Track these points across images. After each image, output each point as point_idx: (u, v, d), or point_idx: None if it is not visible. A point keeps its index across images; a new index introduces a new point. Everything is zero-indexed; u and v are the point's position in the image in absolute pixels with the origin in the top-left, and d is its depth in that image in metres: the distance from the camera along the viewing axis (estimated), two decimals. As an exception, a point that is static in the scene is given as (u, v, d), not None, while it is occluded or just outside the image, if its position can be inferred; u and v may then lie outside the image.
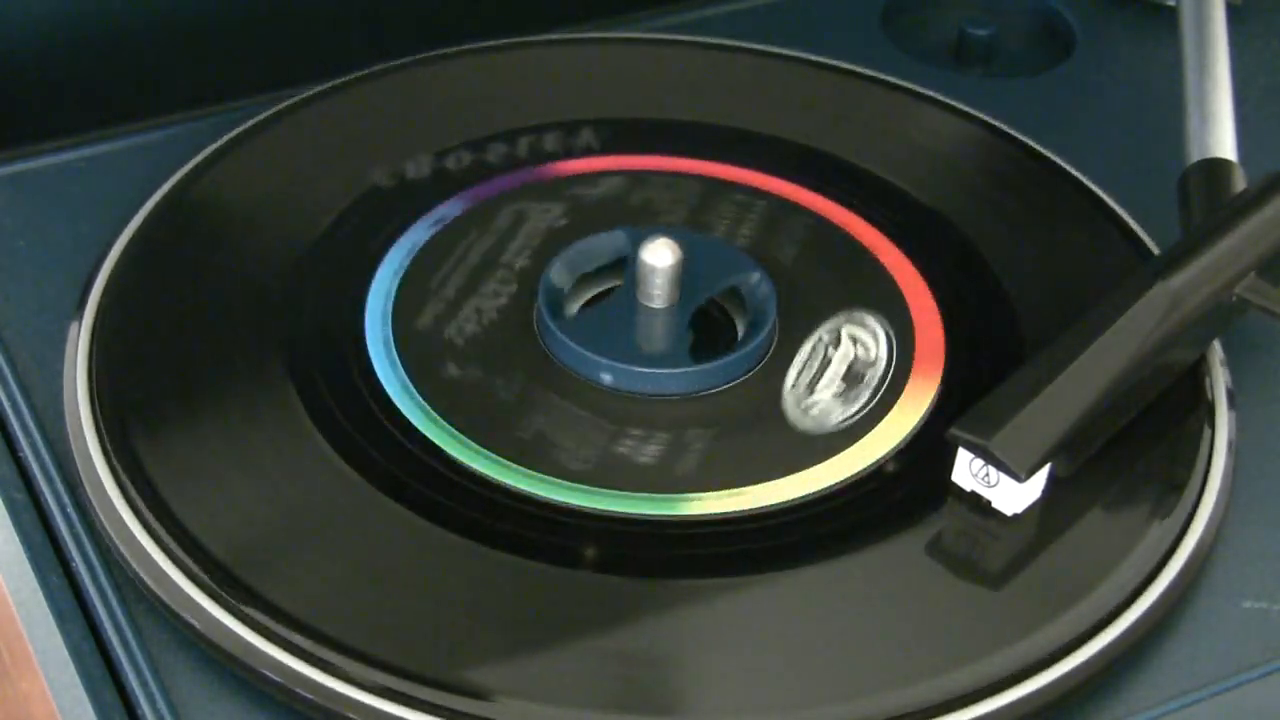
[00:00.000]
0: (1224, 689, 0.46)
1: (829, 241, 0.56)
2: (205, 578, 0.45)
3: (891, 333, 0.49)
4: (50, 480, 0.50)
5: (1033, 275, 0.55)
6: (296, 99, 0.60)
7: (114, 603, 0.47)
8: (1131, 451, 0.50)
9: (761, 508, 0.48)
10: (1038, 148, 0.60)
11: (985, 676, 0.44)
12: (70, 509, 0.49)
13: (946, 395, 0.51)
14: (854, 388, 0.48)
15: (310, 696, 0.44)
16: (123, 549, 0.47)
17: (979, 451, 0.47)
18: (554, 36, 0.65)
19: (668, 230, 0.53)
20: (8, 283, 0.55)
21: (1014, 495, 0.48)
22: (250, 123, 0.59)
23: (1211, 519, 0.49)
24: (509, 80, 0.62)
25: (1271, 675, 0.47)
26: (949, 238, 0.57)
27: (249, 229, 0.56)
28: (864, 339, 0.48)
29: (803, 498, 0.48)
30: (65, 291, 0.54)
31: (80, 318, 0.52)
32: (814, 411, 0.47)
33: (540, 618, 0.45)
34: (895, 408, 0.51)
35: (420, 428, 0.50)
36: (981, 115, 0.62)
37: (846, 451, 0.50)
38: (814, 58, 0.64)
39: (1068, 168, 0.59)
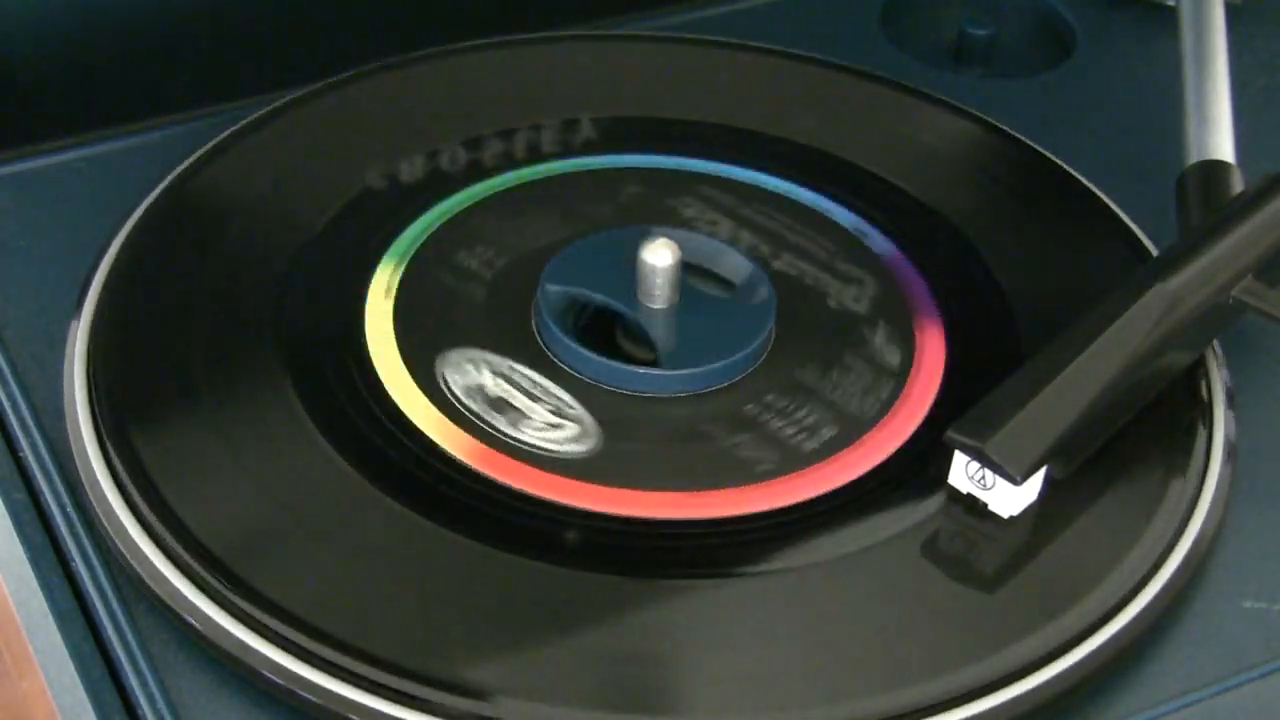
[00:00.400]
0: (1224, 689, 0.46)
1: (829, 241, 0.56)
2: (205, 577, 0.45)
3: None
4: (50, 480, 0.50)
5: (1032, 275, 0.55)
6: (294, 97, 0.60)
7: (114, 603, 0.47)
8: (1130, 452, 0.50)
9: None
10: (1038, 148, 0.60)
11: (983, 677, 0.44)
12: (70, 509, 0.49)
13: (945, 396, 0.51)
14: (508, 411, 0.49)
15: (310, 696, 0.44)
16: (122, 549, 0.47)
17: (975, 454, 0.47)
18: (553, 35, 0.65)
19: (668, 230, 0.53)
20: (8, 283, 0.55)
21: (1010, 498, 0.48)
22: (248, 120, 0.59)
23: (1210, 519, 0.49)
24: (507, 78, 0.62)
25: (1271, 675, 0.47)
26: (948, 238, 0.57)
27: (247, 226, 0.56)
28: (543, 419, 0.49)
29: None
30: (65, 291, 0.54)
31: (79, 317, 0.52)
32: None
33: (540, 617, 0.45)
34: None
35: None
36: (982, 115, 0.62)
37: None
38: (814, 56, 0.64)
39: (1067, 168, 0.59)
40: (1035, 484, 0.48)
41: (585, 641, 0.45)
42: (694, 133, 0.60)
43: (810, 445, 0.50)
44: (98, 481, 0.48)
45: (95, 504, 0.48)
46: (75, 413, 0.50)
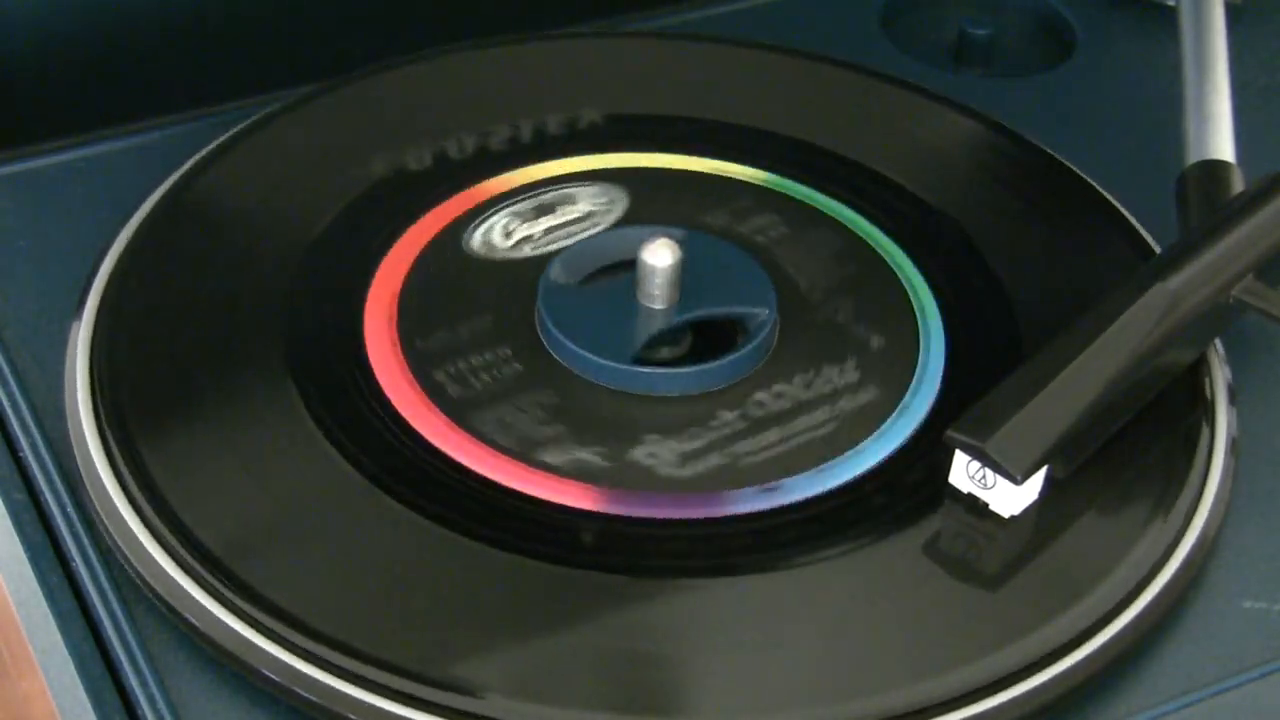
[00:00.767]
0: (1224, 689, 0.46)
1: (829, 239, 0.56)
2: (205, 577, 0.45)
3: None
4: (50, 480, 0.50)
5: (1034, 273, 0.55)
6: (296, 97, 0.60)
7: (114, 603, 0.47)
8: (1131, 451, 0.50)
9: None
10: (1040, 145, 0.60)
11: (984, 677, 0.44)
12: (70, 509, 0.49)
13: (946, 395, 0.51)
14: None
15: (310, 695, 0.44)
16: (123, 549, 0.47)
17: (975, 454, 0.47)
18: (554, 34, 0.65)
19: (668, 230, 0.53)
20: (8, 283, 0.55)
21: (1011, 497, 0.48)
22: (250, 121, 0.59)
23: (1211, 519, 0.49)
24: (509, 78, 0.62)
25: (1271, 675, 0.47)
26: (950, 235, 0.57)
27: (249, 228, 0.56)
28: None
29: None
30: (65, 291, 0.54)
31: (80, 318, 0.52)
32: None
33: (539, 616, 0.45)
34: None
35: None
36: (984, 112, 0.61)
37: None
38: (814, 53, 0.63)
39: (1070, 166, 0.59)
40: (1036, 483, 0.48)
41: (584, 641, 0.45)
42: (693, 131, 0.60)
43: (811, 445, 0.50)
44: (98, 481, 0.48)
45: (95, 504, 0.48)
46: (76, 413, 0.50)
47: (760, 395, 0.51)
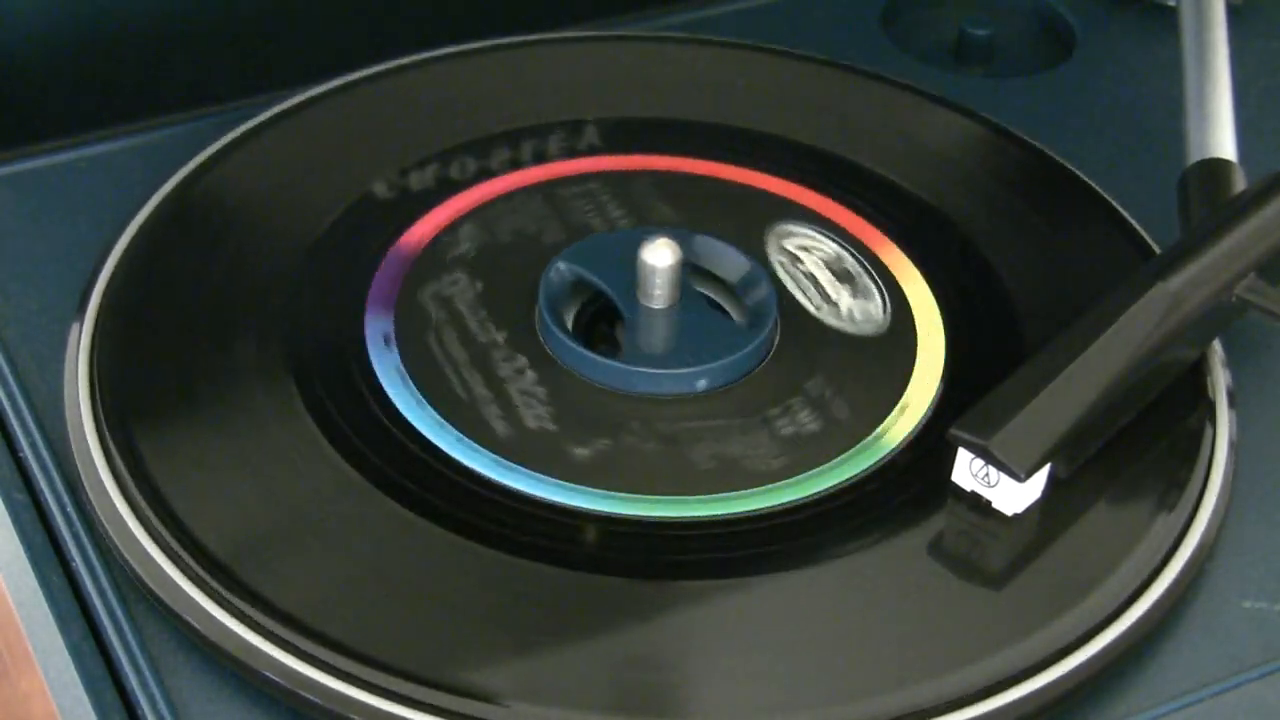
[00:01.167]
0: (1224, 689, 0.46)
1: (829, 240, 0.56)
2: (205, 578, 0.45)
3: (824, 232, 0.49)
4: (50, 480, 0.50)
5: (1034, 274, 0.55)
6: (297, 100, 0.60)
7: (114, 603, 0.47)
8: (1132, 451, 0.50)
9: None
10: (1040, 146, 0.60)
11: (985, 677, 0.44)
12: (70, 509, 0.49)
13: (948, 395, 0.51)
14: (850, 281, 0.48)
15: (310, 697, 0.44)
16: (123, 549, 0.47)
17: (979, 452, 0.47)
18: (554, 36, 0.65)
19: (668, 230, 0.53)
20: (8, 283, 0.55)
21: (1014, 495, 0.48)
22: (251, 122, 0.59)
23: (1212, 519, 0.49)
24: (509, 80, 0.62)
25: (1271, 675, 0.47)
26: (950, 236, 0.57)
27: (250, 229, 0.56)
28: (810, 244, 0.48)
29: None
30: (65, 291, 0.54)
31: (81, 318, 0.52)
32: (855, 315, 0.48)
33: (540, 618, 0.45)
34: (896, 407, 0.51)
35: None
36: (983, 114, 0.61)
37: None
38: (814, 56, 0.64)
39: (1070, 167, 0.59)
40: (1039, 482, 0.48)
41: (585, 643, 0.45)
42: (693, 133, 0.60)
43: (812, 445, 0.50)
44: (98, 481, 0.48)
45: (95, 504, 0.48)
46: (76, 413, 0.50)
47: (760, 396, 0.51)
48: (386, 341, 0.52)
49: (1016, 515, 0.48)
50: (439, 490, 0.48)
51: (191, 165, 0.57)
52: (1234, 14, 0.63)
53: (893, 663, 0.45)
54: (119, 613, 0.47)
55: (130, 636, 0.46)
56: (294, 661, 0.44)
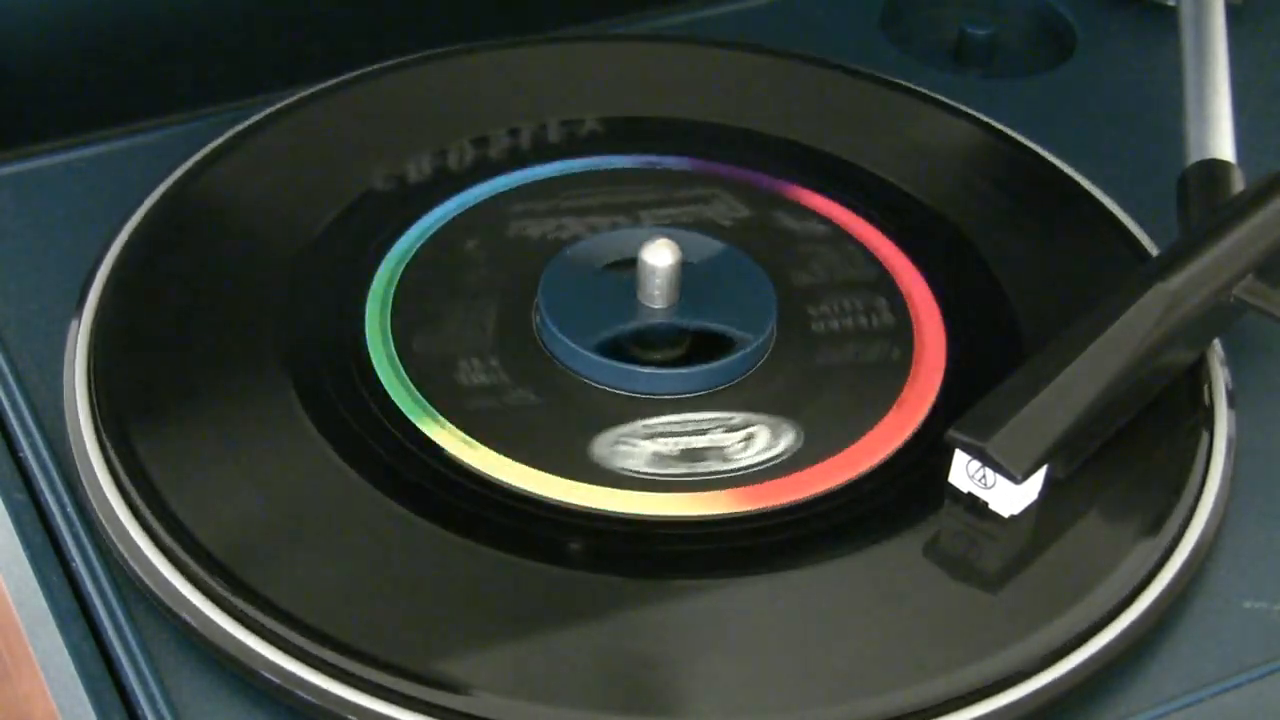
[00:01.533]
0: (1224, 689, 0.46)
1: (829, 241, 0.56)
2: (204, 577, 0.45)
3: (781, 446, 0.49)
4: (50, 480, 0.50)
5: (1033, 276, 0.55)
6: (295, 98, 0.60)
7: (114, 603, 0.47)
8: (1131, 451, 0.50)
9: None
10: (1038, 149, 0.60)
11: (984, 677, 0.44)
12: (70, 509, 0.49)
13: (946, 396, 0.51)
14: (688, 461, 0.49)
15: (309, 696, 0.44)
16: (122, 549, 0.47)
17: (976, 453, 0.47)
18: (552, 36, 0.65)
19: (668, 230, 0.53)
20: (8, 283, 0.55)
21: (1011, 497, 0.48)
22: (249, 121, 0.59)
23: (1211, 519, 0.49)
24: (508, 79, 0.62)
25: (1271, 675, 0.47)
26: (949, 238, 0.57)
27: (248, 228, 0.56)
28: (736, 441, 0.49)
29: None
30: (65, 291, 0.54)
31: (80, 317, 0.52)
32: (625, 452, 0.48)
33: (539, 618, 0.45)
34: (895, 408, 0.51)
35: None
36: (982, 116, 0.61)
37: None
38: (814, 56, 0.64)
39: (1067, 169, 0.59)
40: (1036, 483, 0.48)
41: (583, 642, 0.45)
42: (693, 132, 0.60)
43: (811, 445, 0.50)
44: (98, 482, 0.48)
45: (95, 504, 0.48)
46: (76, 413, 0.50)
47: (760, 396, 0.51)
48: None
49: (1014, 516, 0.48)
50: (438, 490, 0.48)
51: (189, 164, 0.57)
52: (1234, 14, 0.63)
53: (891, 663, 0.45)
54: (119, 613, 0.47)
55: (130, 636, 0.46)
56: (293, 662, 0.44)
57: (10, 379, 0.52)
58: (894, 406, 0.51)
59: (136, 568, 0.47)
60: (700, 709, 0.44)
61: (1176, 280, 0.50)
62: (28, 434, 0.51)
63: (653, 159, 0.59)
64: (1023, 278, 0.55)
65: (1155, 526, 0.48)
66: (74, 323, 0.52)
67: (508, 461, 0.49)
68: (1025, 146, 0.60)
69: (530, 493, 0.48)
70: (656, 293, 0.52)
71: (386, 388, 0.51)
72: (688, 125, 0.61)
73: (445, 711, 0.43)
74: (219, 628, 0.45)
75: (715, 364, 0.51)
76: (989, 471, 0.47)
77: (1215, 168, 0.55)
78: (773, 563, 0.47)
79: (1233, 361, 0.53)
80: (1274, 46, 0.68)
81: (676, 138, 0.60)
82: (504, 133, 0.59)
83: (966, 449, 0.47)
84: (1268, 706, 0.47)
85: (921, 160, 0.60)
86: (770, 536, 0.48)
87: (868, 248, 0.56)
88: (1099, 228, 0.57)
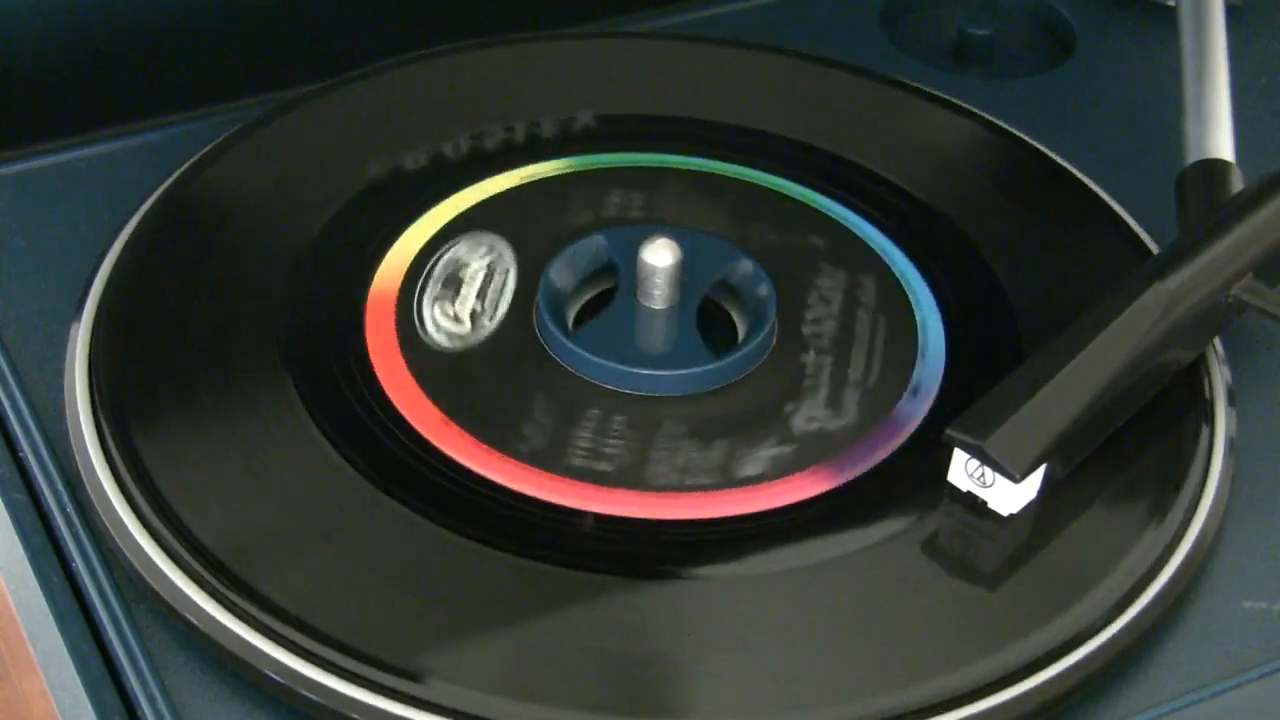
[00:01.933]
0: (1224, 689, 0.46)
1: (829, 240, 0.56)
2: (205, 577, 0.45)
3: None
4: (50, 480, 0.50)
5: (1033, 274, 0.55)
6: (296, 98, 0.60)
7: (114, 603, 0.47)
8: (1130, 450, 0.50)
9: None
10: (1039, 146, 0.60)
11: (984, 676, 0.44)
12: (70, 509, 0.49)
13: (945, 394, 0.51)
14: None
15: (310, 695, 0.44)
16: (122, 548, 0.47)
17: (974, 452, 0.47)
18: (551, 34, 0.65)
19: (668, 230, 0.53)
20: (8, 283, 0.55)
21: (1010, 495, 0.48)
22: (249, 121, 0.59)
23: (1211, 518, 0.49)
24: (508, 77, 0.62)
25: (1271, 675, 0.47)
26: (949, 236, 0.57)
27: (249, 228, 0.56)
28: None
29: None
30: (65, 291, 0.54)
31: (80, 318, 0.52)
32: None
33: (540, 617, 0.45)
34: (894, 407, 0.51)
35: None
36: (982, 113, 0.61)
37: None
38: (815, 55, 0.64)
39: (1068, 166, 0.59)
40: (1035, 482, 0.48)
41: (584, 642, 0.45)
42: (694, 132, 0.60)
43: (811, 444, 0.50)
44: (98, 481, 0.48)
45: (95, 504, 0.48)
46: (76, 413, 0.50)
47: (760, 396, 0.51)
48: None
49: (1012, 515, 0.48)
50: (438, 489, 0.48)
51: (189, 164, 0.57)
52: (1234, 14, 0.63)
53: (890, 662, 0.45)
54: (119, 613, 0.47)
55: (130, 636, 0.46)
56: (294, 660, 0.44)
57: (10, 379, 0.52)
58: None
59: (137, 566, 0.47)
60: (701, 709, 0.44)
61: (1175, 280, 0.50)
62: (28, 434, 0.51)
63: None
64: (1022, 275, 0.55)
65: (1155, 526, 0.48)
66: (75, 323, 0.52)
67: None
68: (1026, 144, 0.60)
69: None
70: (656, 292, 0.52)
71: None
72: (687, 124, 0.61)
73: (446, 710, 0.43)
74: (219, 626, 0.45)
75: (715, 365, 0.51)
76: (988, 470, 0.47)
77: (1214, 167, 0.55)
78: (771, 563, 0.47)
79: (1232, 361, 0.53)
80: (1274, 46, 0.68)
81: (676, 136, 0.60)
82: (503, 130, 0.59)
83: (965, 447, 0.47)
84: (1268, 706, 0.47)
85: (921, 158, 0.60)
86: (769, 536, 0.48)
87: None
88: (1100, 225, 0.57)
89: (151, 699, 0.45)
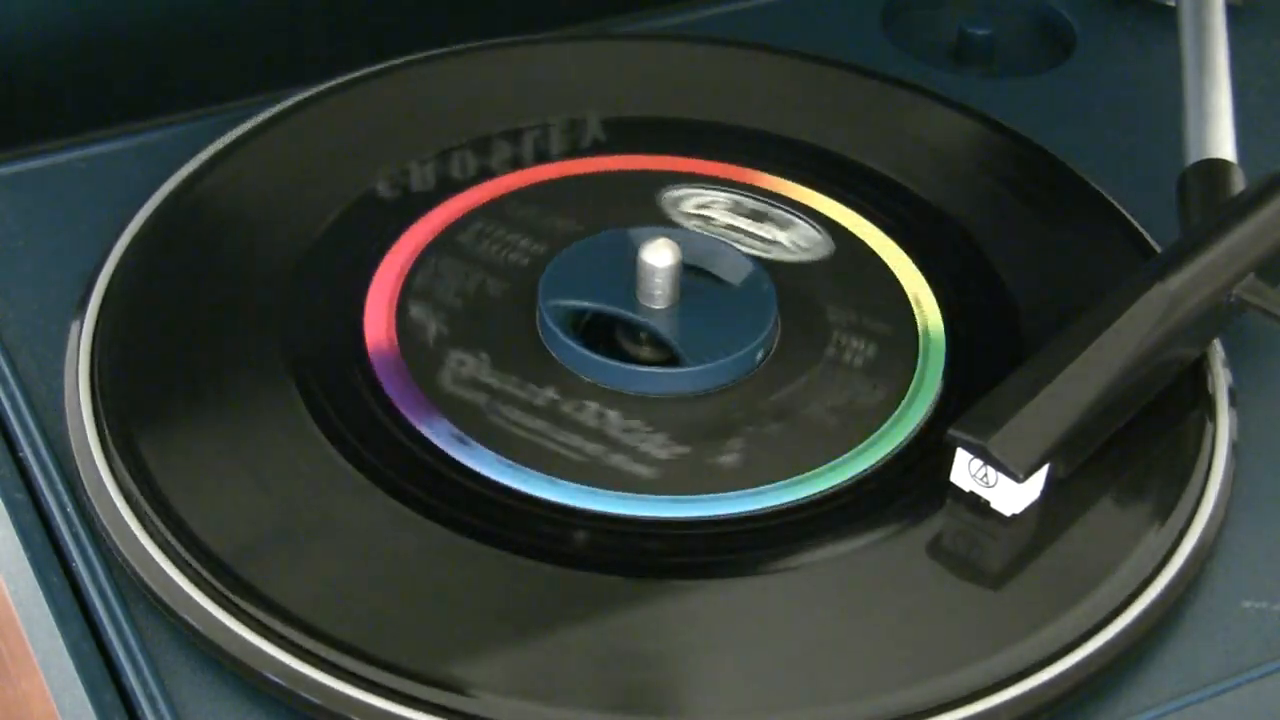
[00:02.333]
0: (1224, 689, 0.46)
1: (829, 240, 0.56)
2: (205, 577, 0.45)
3: (708, 185, 0.49)
4: (50, 480, 0.50)
5: (1034, 273, 0.55)
6: (297, 99, 0.60)
7: (114, 603, 0.47)
8: (1132, 451, 0.50)
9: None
10: (1041, 145, 0.60)
11: (984, 677, 0.44)
12: (70, 509, 0.49)
13: (947, 395, 0.51)
14: (767, 218, 0.48)
15: (310, 696, 0.44)
16: (123, 549, 0.47)
17: (977, 452, 0.47)
18: (553, 35, 0.65)
19: (668, 230, 0.53)
20: (8, 283, 0.55)
21: (1012, 496, 0.48)
22: (252, 123, 0.59)
23: (1212, 519, 0.49)
24: (509, 79, 0.62)
25: (1271, 675, 0.47)
26: (951, 235, 0.57)
27: (250, 229, 0.56)
28: (706, 200, 0.48)
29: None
30: (65, 291, 0.54)
31: (81, 318, 0.52)
32: (800, 243, 0.48)
33: (540, 617, 0.45)
34: (896, 407, 0.51)
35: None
36: (985, 112, 0.61)
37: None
38: (815, 54, 0.64)
39: (1070, 165, 0.59)
40: (1037, 482, 0.48)
41: (584, 641, 0.45)
42: (694, 132, 0.60)
43: (812, 444, 0.50)
44: (99, 481, 0.48)
45: (95, 504, 0.48)
46: (76, 413, 0.50)
47: (760, 396, 0.51)
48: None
49: (1015, 515, 0.48)
50: (439, 489, 0.48)
51: (191, 166, 0.57)
52: (1234, 14, 0.63)
53: (891, 663, 0.45)
54: (119, 613, 0.47)
55: (130, 636, 0.46)
56: (294, 661, 0.44)
57: (10, 379, 0.52)
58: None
59: (137, 567, 0.46)
60: (702, 708, 0.44)
61: (1177, 280, 0.50)
62: (28, 434, 0.51)
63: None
64: (1024, 275, 0.55)
65: (1156, 526, 0.48)
66: (75, 323, 0.52)
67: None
68: (1028, 142, 0.60)
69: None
70: (656, 293, 0.52)
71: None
72: (687, 125, 0.60)
73: (447, 711, 0.43)
74: (219, 627, 0.45)
75: (715, 364, 0.51)
76: (991, 470, 0.47)
77: (1215, 167, 0.55)
78: (773, 562, 0.47)
79: (1233, 361, 0.53)
80: (1274, 46, 0.68)
81: (676, 137, 0.60)
82: (505, 133, 0.59)
83: (968, 448, 0.47)
84: (1268, 706, 0.47)
85: (922, 156, 0.60)
86: (770, 536, 0.48)
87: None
88: (1102, 224, 0.57)
89: (151, 699, 0.45)
